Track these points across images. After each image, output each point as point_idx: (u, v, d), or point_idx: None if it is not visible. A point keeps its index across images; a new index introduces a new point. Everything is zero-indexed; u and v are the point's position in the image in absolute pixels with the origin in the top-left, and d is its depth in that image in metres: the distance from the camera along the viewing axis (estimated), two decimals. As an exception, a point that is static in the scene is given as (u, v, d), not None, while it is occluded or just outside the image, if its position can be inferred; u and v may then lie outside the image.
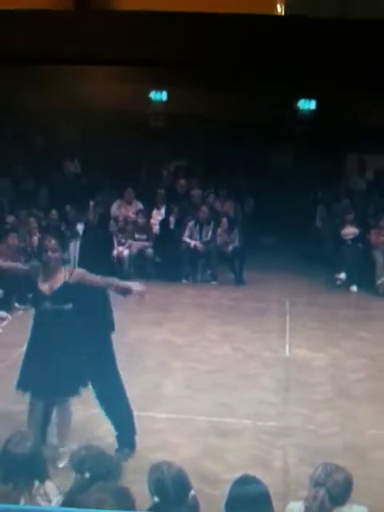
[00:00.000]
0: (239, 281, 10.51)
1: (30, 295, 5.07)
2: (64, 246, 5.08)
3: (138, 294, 4.91)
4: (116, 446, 4.88)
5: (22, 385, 4.78)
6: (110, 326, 4.95)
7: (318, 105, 13.31)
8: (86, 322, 4.73)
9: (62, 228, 10.28)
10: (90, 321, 4.75)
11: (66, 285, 4.72)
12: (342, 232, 11.03)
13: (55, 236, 5.25)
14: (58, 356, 4.66)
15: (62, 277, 4.74)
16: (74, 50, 1.96)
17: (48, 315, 4.72)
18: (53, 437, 4.93)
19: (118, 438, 4.99)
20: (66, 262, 5.01)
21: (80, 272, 4.84)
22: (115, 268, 9.92)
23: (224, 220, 10.99)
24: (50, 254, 4.73)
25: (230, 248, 10.67)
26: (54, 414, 4.89)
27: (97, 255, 9.01)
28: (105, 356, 4.89)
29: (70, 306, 4.71)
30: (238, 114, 12.68)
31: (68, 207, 10.34)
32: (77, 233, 10.10)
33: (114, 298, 5.03)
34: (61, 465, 4.48)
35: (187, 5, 1.98)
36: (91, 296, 4.78)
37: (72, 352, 4.69)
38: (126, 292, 4.87)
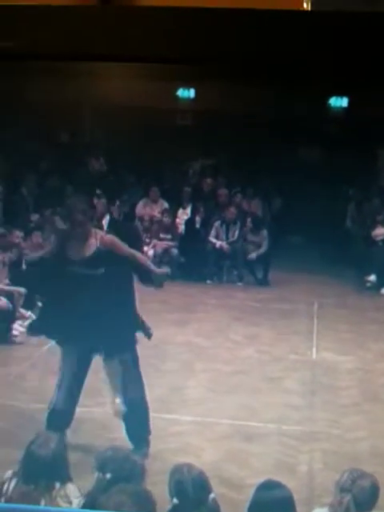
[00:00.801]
0: (263, 282, 10.39)
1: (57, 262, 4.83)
2: (93, 211, 4.99)
3: (159, 278, 4.80)
4: (132, 446, 4.77)
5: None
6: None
7: (348, 101, 13.11)
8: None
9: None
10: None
11: (98, 251, 4.63)
12: (373, 233, 10.85)
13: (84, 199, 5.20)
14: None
15: (94, 242, 4.65)
16: (100, 47, 1.94)
17: (79, 280, 4.60)
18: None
19: (132, 436, 4.87)
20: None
21: (110, 238, 4.74)
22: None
23: (249, 220, 10.89)
24: (79, 216, 4.63)
25: (257, 251, 10.53)
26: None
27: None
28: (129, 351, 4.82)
29: (102, 270, 4.61)
30: (266, 111, 12.56)
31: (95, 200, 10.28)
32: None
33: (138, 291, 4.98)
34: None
35: (213, 1, 1.94)
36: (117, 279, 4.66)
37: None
38: (147, 273, 4.76)
